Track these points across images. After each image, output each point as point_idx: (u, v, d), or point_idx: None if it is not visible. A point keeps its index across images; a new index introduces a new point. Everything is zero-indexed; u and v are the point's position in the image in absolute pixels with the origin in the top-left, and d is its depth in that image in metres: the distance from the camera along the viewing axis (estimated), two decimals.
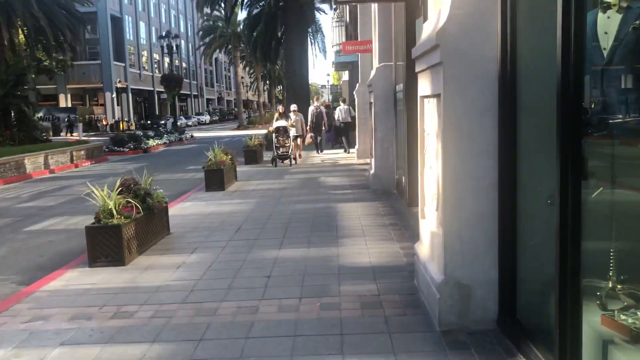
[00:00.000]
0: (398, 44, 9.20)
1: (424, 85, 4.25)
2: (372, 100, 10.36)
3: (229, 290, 4.79)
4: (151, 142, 27.34)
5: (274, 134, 15.48)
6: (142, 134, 29.16)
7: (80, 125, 39.34)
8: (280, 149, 15.34)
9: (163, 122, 49.70)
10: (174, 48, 36.45)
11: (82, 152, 21.39)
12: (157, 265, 5.71)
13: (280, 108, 17.47)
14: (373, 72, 10.29)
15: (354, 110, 18.08)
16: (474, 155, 3.63)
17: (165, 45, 35.72)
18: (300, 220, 7.72)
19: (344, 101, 21.39)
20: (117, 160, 22.23)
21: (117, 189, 6.03)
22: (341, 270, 5.21)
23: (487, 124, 3.61)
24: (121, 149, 25.38)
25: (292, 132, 15.91)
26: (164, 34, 36.89)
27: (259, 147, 16.48)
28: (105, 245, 5.66)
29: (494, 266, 3.67)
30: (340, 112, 19.39)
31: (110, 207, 5.73)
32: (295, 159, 15.73)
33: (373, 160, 10.33)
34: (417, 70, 4.48)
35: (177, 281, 5.11)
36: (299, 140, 16.74)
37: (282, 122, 15.62)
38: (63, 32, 31.00)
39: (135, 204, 5.93)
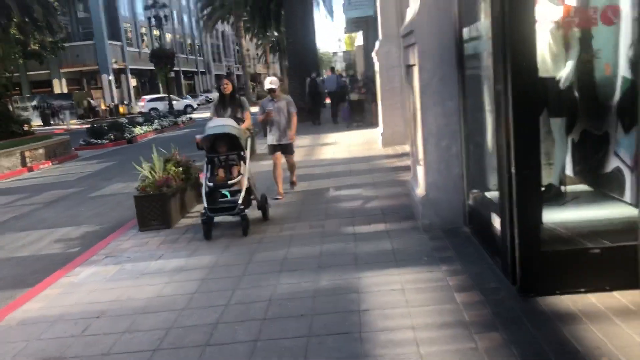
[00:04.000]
0: None
1: None
2: (411, 62, 5.71)
3: None
4: (137, 130, 23.14)
5: (205, 156, 6.15)
6: (127, 121, 24.93)
7: (67, 112, 35.33)
8: (216, 194, 6.15)
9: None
10: (164, 19, 31.86)
11: (41, 151, 17.24)
12: None
13: (226, 86, 6.84)
14: (414, 10, 5.66)
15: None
16: None
17: (152, 16, 31.08)
18: (279, 352, 3.32)
19: (332, 70, 22.19)
20: (87, 158, 18.08)
21: None
22: None
23: None
24: (99, 142, 21.15)
25: (270, 137, 7.66)
26: (149, 3, 32.13)
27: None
28: None
29: None
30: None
31: None
32: (269, 199, 6.85)
33: (421, 170, 5.68)
34: None
35: None
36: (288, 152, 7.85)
37: (221, 124, 6.09)
38: (31, 9, 26.82)
39: None
